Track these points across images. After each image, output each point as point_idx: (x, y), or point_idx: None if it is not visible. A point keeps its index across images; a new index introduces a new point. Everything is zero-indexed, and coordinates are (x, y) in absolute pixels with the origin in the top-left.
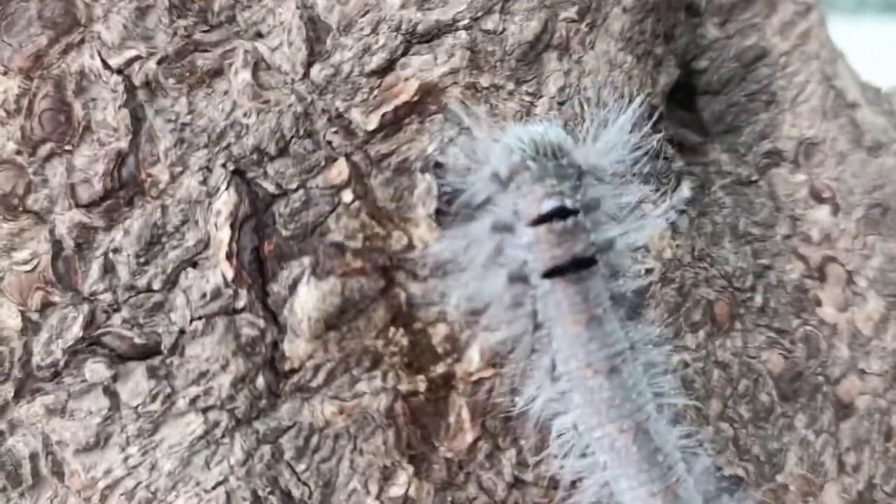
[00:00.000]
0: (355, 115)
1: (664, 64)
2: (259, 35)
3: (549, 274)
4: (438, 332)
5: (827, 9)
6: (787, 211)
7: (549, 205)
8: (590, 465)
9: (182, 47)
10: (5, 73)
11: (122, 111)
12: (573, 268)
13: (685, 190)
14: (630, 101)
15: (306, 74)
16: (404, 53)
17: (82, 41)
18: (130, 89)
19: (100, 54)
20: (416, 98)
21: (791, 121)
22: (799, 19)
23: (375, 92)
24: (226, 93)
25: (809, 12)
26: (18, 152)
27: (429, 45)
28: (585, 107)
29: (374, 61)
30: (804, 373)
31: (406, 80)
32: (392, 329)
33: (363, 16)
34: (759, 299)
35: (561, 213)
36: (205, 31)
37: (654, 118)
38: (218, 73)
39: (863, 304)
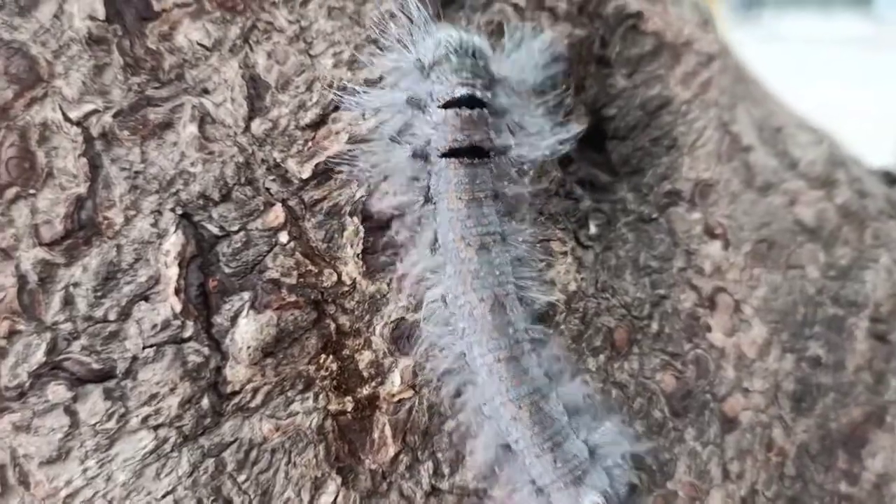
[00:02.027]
0: (291, 164)
1: (575, 113)
2: (205, 91)
3: (447, 154)
4: (364, 358)
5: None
6: (683, 246)
7: (461, 91)
8: (451, 333)
9: (135, 102)
10: None
11: (82, 160)
12: (468, 154)
13: (592, 228)
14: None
15: (247, 128)
16: (335, 109)
17: (45, 95)
18: (89, 140)
19: (61, 108)
20: (345, 150)
21: (689, 164)
22: (701, 69)
23: (309, 144)
24: (175, 144)
25: (711, 62)
26: None
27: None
28: (506, 29)
29: (309, 116)
30: (694, 391)
31: (337, 133)
32: (323, 356)
33: (299, 75)
34: (655, 326)
35: (470, 101)
36: (156, 88)
37: (565, 164)
38: (168, 125)
39: (748, 330)
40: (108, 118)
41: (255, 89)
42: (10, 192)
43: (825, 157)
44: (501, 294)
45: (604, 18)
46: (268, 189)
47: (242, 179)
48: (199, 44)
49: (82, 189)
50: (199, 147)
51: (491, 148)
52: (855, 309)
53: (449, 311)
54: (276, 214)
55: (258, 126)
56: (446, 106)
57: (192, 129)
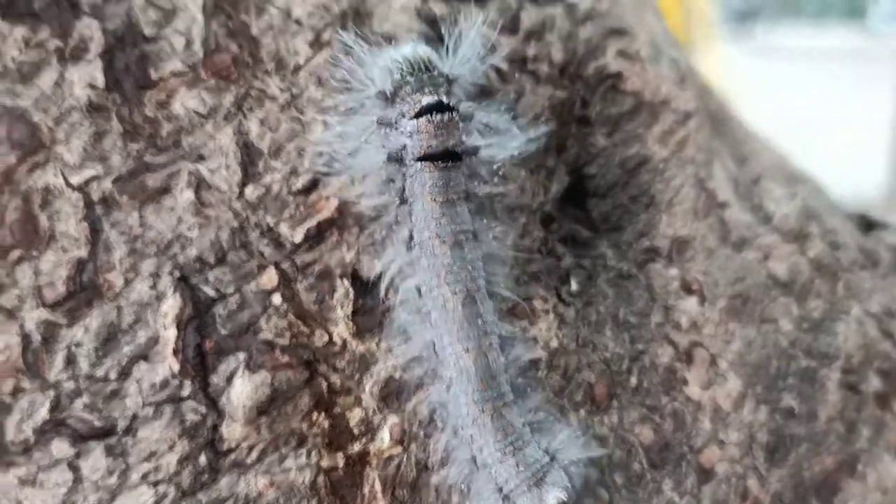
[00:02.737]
0: (284, 229)
1: (556, 173)
2: (201, 158)
3: (422, 158)
4: (355, 416)
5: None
6: (661, 301)
7: (428, 100)
8: (422, 321)
9: (134, 168)
10: None
11: (83, 224)
12: (442, 158)
13: (573, 285)
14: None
15: (242, 194)
16: (326, 174)
17: (47, 161)
18: (89, 204)
19: (62, 173)
20: (335, 214)
21: (667, 221)
22: (678, 127)
23: (301, 208)
24: (172, 209)
25: (688, 120)
26: None
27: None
28: (443, 29)
29: (300, 182)
30: (671, 443)
31: (327, 198)
32: (315, 413)
33: (291, 141)
34: (634, 380)
35: (439, 107)
36: (154, 154)
37: (547, 223)
38: (165, 191)
39: (724, 383)
40: (107, 184)
41: (249, 156)
42: (14, 255)
43: (798, 210)
44: (473, 289)
45: (584, 79)
46: (261, 252)
47: (237, 243)
48: (194, 111)
49: (83, 252)
50: (196, 212)
51: (463, 150)
52: (827, 361)
53: (422, 301)
54: (270, 277)
55: (252, 192)
56: (417, 115)
57: (189, 194)
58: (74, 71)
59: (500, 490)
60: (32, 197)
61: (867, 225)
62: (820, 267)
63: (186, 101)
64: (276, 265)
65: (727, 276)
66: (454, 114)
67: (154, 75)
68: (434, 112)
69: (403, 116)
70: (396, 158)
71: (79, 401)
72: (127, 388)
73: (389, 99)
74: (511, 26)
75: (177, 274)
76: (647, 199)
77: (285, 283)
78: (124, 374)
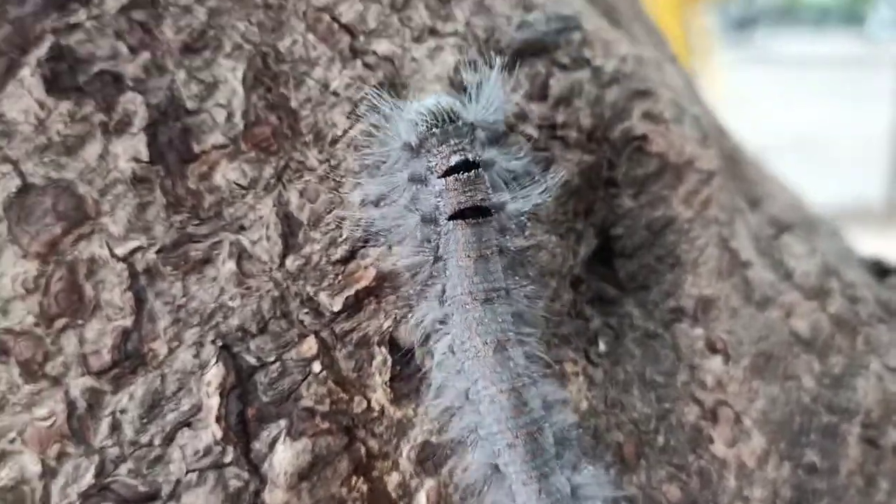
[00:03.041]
0: (323, 298)
1: (584, 236)
2: (242, 228)
3: (454, 217)
4: (392, 480)
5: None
6: (687, 361)
7: (455, 159)
8: (458, 374)
9: (177, 239)
10: (24, 256)
11: (127, 294)
12: (473, 213)
13: (601, 345)
14: (495, 64)
15: (282, 264)
16: (364, 245)
17: (92, 232)
18: (134, 275)
19: (107, 244)
20: (373, 283)
21: (692, 281)
22: (702, 187)
23: (340, 278)
24: (214, 279)
25: (711, 179)
26: (37, 324)
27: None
28: (464, 75)
29: (339, 252)
30: (698, 501)
31: (365, 267)
32: (354, 478)
33: (329, 212)
34: (661, 439)
35: (465, 165)
36: (196, 225)
37: (576, 285)
38: (208, 261)
39: (748, 441)
40: (151, 254)
41: (289, 227)
42: (59, 323)
43: (819, 267)
44: (504, 339)
45: (611, 142)
46: (301, 321)
47: (278, 313)
48: (235, 183)
49: (128, 322)
50: (238, 282)
51: (491, 205)
52: (847, 416)
53: (456, 358)
54: (310, 346)
55: (292, 262)
56: (445, 174)
57: (231, 265)
58: (119, 144)
59: None
60: (78, 267)
61: (881, 271)
62: (840, 322)
63: (228, 173)
64: (316, 334)
65: (751, 335)
66: (479, 169)
67: (196, 148)
68: (461, 171)
69: (432, 173)
70: (430, 220)
71: (123, 466)
72: (171, 454)
73: (415, 150)
74: (540, 93)
75: (219, 343)
76: (673, 259)
77: (325, 350)
78: (168, 440)
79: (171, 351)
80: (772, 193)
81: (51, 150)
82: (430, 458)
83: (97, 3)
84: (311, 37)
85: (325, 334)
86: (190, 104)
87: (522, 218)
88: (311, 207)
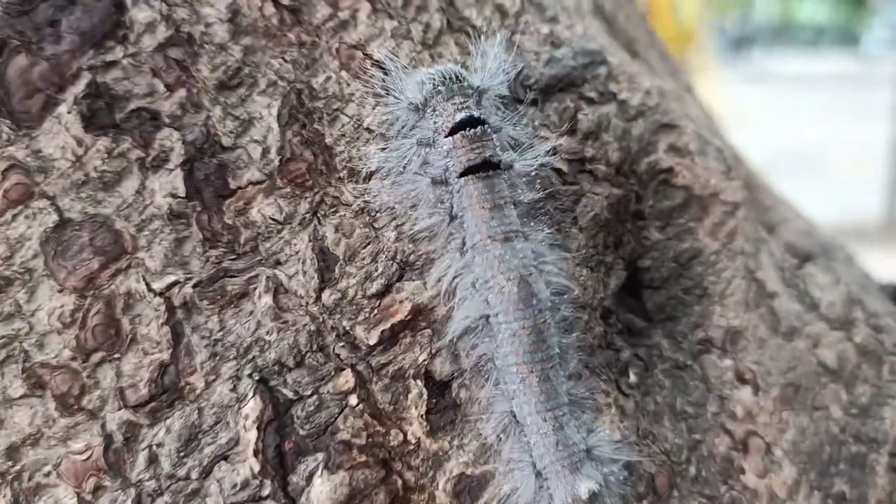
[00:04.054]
0: (359, 331)
1: (614, 269)
2: (278, 263)
3: (464, 173)
4: None
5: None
6: (717, 391)
7: (461, 115)
8: (478, 306)
9: (214, 273)
10: (61, 291)
11: (164, 328)
12: (483, 168)
13: (632, 376)
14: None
15: (318, 298)
16: (399, 279)
17: (129, 266)
18: (171, 309)
19: (144, 279)
20: (409, 317)
21: (720, 312)
22: (727, 218)
23: (375, 312)
24: (251, 313)
25: (736, 211)
26: (73, 358)
27: (419, 271)
28: (470, 45)
29: (374, 286)
30: None
31: (401, 301)
32: None
33: (365, 247)
34: (692, 470)
35: (471, 121)
36: (232, 260)
37: (606, 316)
38: (244, 295)
39: (779, 471)
40: (188, 289)
41: (325, 261)
42: (96, 357)
43: (843, 297)
44: (526, 274)
45: (638, 175)
46: (338, 355)
47: (314, 346)
48: (271, 218)
49: (165, 356)
50: (274, 316)
51: (500, 160)
52: (875, 445)
53: (479, 294)
54: (346, 379)
55: (328, 296)
56: (452, 132)
57: (267, 299)
58: (156, 179)
59: (534, 465)
60: (115, 301)
61: None
62: (866, 352)
63: (264, 209)
64: (353, 367)
65: (779, 366)
66: (486, 126)
67: (233, 184)
68: (468, 127)
69: (439, 134)
70: (441, 181)
71: (160, 500)
72: (208, 487)
73: (421, 110)
74: (569, 128)
75: (256, 377)
76: (700, 290)
77: (361, 384)
78: (205, 473)
79: (208, 384)
80: (786, 219)
81: (88, 185)
82: (466, 490)
83: (134, 41)
84: (344, 73)
85: (361, 367)
86: (226, 140)
87: (532, 174)
88: (347, 242)
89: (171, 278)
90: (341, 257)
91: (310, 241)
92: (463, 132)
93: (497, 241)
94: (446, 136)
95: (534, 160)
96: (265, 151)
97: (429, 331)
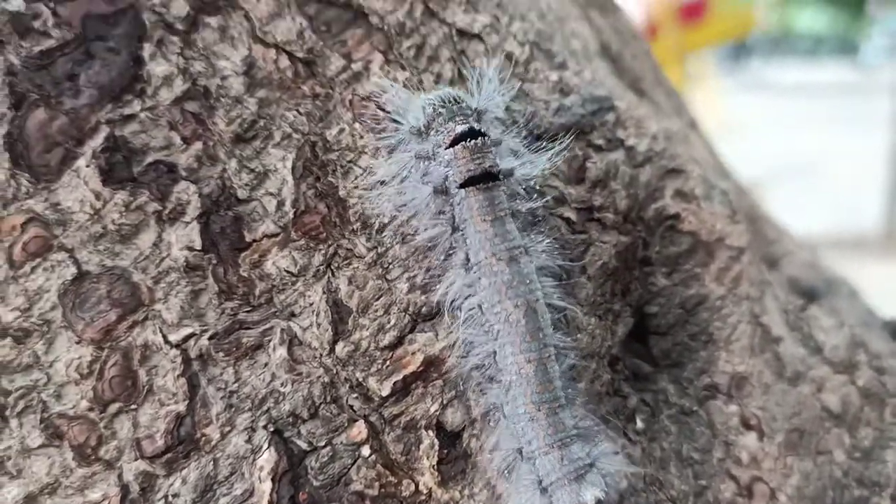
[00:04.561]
0: (372, 383)
1: (622, 316)
2: (293, 315)
3: (464, 184)
4: None
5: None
6: (722, 437)
7: (461, 128)
8: (485, 333)
9: (229, 325)
10: (79, 342)
11: (181, 380)
12: (483, 179)
13: (638, 422)
14: (492, 65)
15: (332, 350)
16: (411, 330)
17: (146, 318)
18: (187, 361)
19: (161, 331)
20: (421, 368)
21: (725, 358)
22: (732, 263)
23: (388, 363)
24: (266, 365)
25: (742, 255)
26: (91, 409)
27: (431, 322)
28: (465, 71)
29: (387, 338)
30: None
31: (413, 353)
32: None
33: (377, 299)
34: None
35: (471, 133)
36: (248, 312)
37: (613, 364)
38: (259, 347)
39: None
40: (204, 341)
41: (339, 313)
42: (114, 407)
43: (847, 341)
44: (532, 300)
45: (645, 222)
46: (351, 406)
47: (328, 398)
48: (286, 270)
49: (181, 407)
50: (289, 368)
51: (499, 171)
52: (878, 489)
53: (485, 317)
54: (359, 430)
55: (342, 348)
56: (452, 144)
57: (282, 351)
58: (172, 232)
59: (540, 482)
60: (132, 353)
61: None
62: (868, 395)
63: (278, 261)
64: (366, 418)
65: (784, 411)
66: (486, 138)
67: (248, 237)
68: (468, 138)
69: (440, 147)
70: (441, 191)
71: None
72: None
73: (423, 133)
74: (578, 176)
75: (271, 428)
76: (706, 336)
77: (374, 435)
78: None
79: (223, 436)
80: (790, 252)
81: (106, 238)
82: None
83: (151, 95)
84: (357, 126)
85: (374, 418)
86: (241, 193)
87: (531, 182)
88: (360, 294)
89: (187, 330)
90: (354, 309)
91: (324, 293)
92: (464, 143)
93: (502, 260)
94: (446, 148)
95: (534, 167)
96: (280, 204)
97: (440, 382)
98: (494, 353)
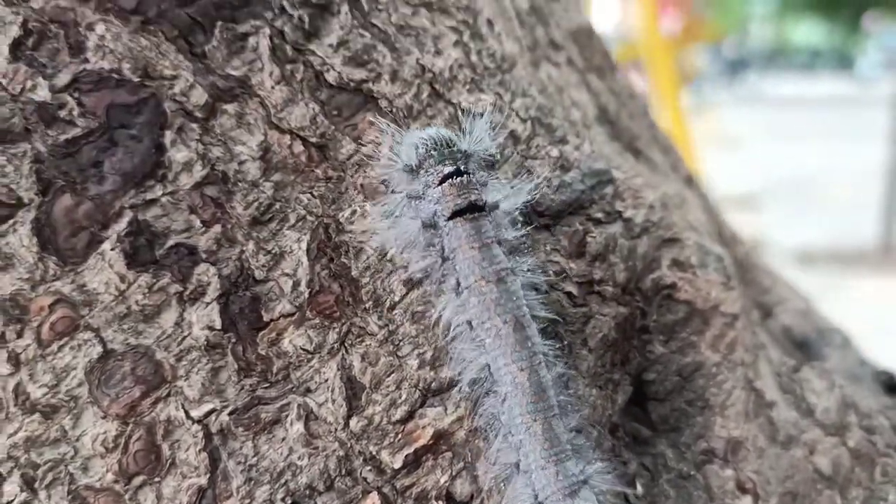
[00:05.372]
0: (384, 456)
1: (621, 385)
2: (308, 391)
3: (452, 216)
4: None
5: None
6: (719, 501)
7: (449, 168)
8: (477, 348)
9: (248, 401)
10: (104, 417)
11: (202, 454)
12: (469, 211)
13: (638, 487)
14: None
15: (346, 425)
16: (421, 405)
17: (169, 395)
18: (208, 436)
19: (183, 406)
20: (431, 441)
21: (721, 423)
22: (727, 330)
23: (400, 437)
24: (283, 439)
25: (736, 322)
26: (116, 481)
27: (440, 397)
28: (460, 116)
29: (399, 413)
30: None
31: (423, 427)
32: None
33: (389, 375)
34: None
35: (458, 172)
36: (266, 388)
37: (614, 430)
38: (277, 422)
39: None
40: (224, 416)
41: (353, 389)
42: (138, 480)
43: (838, 403)
44: (521, 315)
45: (643, 292)
46: (365, 479)
47: (343, 471)
48: (302, 348)
49: (203, 480)
50: (305, 442)
51: (485, 204)
52: None
53: (475, 332)
54: (373, 501)
55: (356, 423)
56: (441, 182)
57: (299, 426)
58: (193, 312)
59: (536, 497)
60: (156, 428)
61: (892, 388)
62: (859, 455)
63: (295, 339)
64: (379, 490)
65: (777, 475)
66: (472, 175)
67: (266, 317)
68: (455, 176)
69: (429, 187)
70: (431, 225)
71: None
72: None
73: (415, 171)
74: (578, 251)
75: (289, 500)
76: (703, 402)
77: None
78: None
79: None
80: (783, 299)
81: (130, 318)
82: None
83: (172, 180)
84: (368, 207)
85: (386, 490)
86: (258, 274)
87: (515, 214)
88: (373, 371)
89: (208, 406)
90: (367, 385)
91: (338, 369)
92: (451, 181)
93: (491, 281)
94: (435, 188)
95: (517, 200)
96: (295, 284)
97: (450, 454)
98: (488, 365)
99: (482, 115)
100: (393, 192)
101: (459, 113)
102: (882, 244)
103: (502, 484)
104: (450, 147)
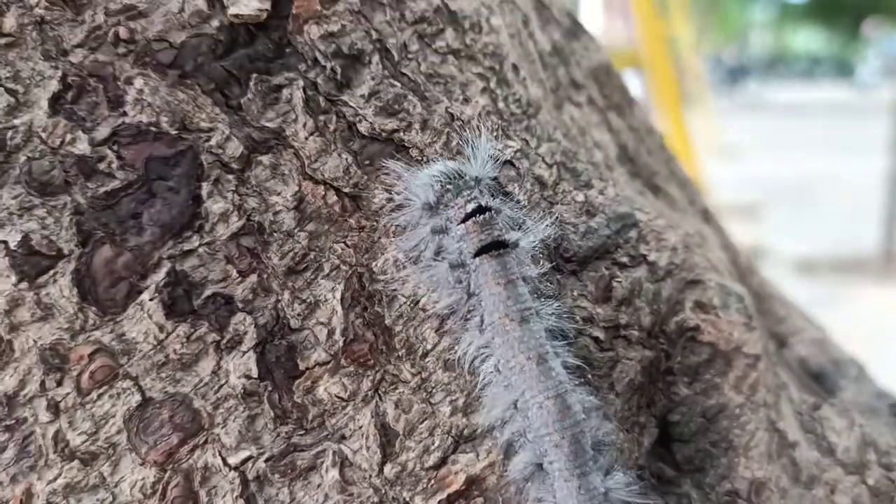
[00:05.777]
0: (418, 502)
1: (647, 427)
2: (343, 438)
3: (478, 254)
4: None
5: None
6: None
7: (471, 206)
8: (505, 388)
9: (284, 448)
10: (143, 464)
11: (239, 501)
12: (494, 247)
13: None
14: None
15: (381, 471)
16: (454, 451)
17: (206, 442)
18: (245, 482)
19: (220, 454)
20: (463, 487)
21: (745, 464)
22: (749, 371)
23: (433, 483)
24: (319, 486)
25: (758, 363)
26: None
27: (472, 443)
28: (460, 142)
29: (432, 459)
30: None
31: (455, 473)
32: None
33: (422, 422)
34: None
35: (480, 209)
36: (301, 435)
37: (640, 475)
38: (312, 469)
39: None
40: (261, 463)
41: (386, 436)
42: None
43: (858, 442)
44: (543, 352)
45: (667, 335)
46: None
47: None
48: (337, 396)
49: None
50: (341, 489)
51: (507, 240)
52: None
53: (502, 375)
54: None
55: (390, 469)
56: (464, 220)
57: (334, 473)
58: (230, 360)
59: None
60: (193, 475)
61: None
62: (878, 493)
63: (330, 387)
64: None
65: None
66: (493, 211)
67: (301, 365)
68: (477, 214)
69: (451, 222)
70: (458, 264)
71: None
72: None
73: (434, 208)
74: (604, 296)
75: None
76: (726, 443)
77: None
78: None
79: None
80: (799, 329)
81: (168, 366)
82: None
83: (209, 231)
84: (401, 256)
85: None
86: (294, 323)
87: (534, 250)
88: (406, 418)
89: (245, 453)
90: (401, 432)
91: (372, 417)
92: (474, 219)
93: (514, 321)
94: (459, 224)
95: (535, 238)
96: (330, 333)
97: (481, 499)
98: (515, 401)
99: (480, 136)
100: (415, 227)
101: (458, 138)
102: (883, 252)
103: (527, 483)
104: (462, 177)
